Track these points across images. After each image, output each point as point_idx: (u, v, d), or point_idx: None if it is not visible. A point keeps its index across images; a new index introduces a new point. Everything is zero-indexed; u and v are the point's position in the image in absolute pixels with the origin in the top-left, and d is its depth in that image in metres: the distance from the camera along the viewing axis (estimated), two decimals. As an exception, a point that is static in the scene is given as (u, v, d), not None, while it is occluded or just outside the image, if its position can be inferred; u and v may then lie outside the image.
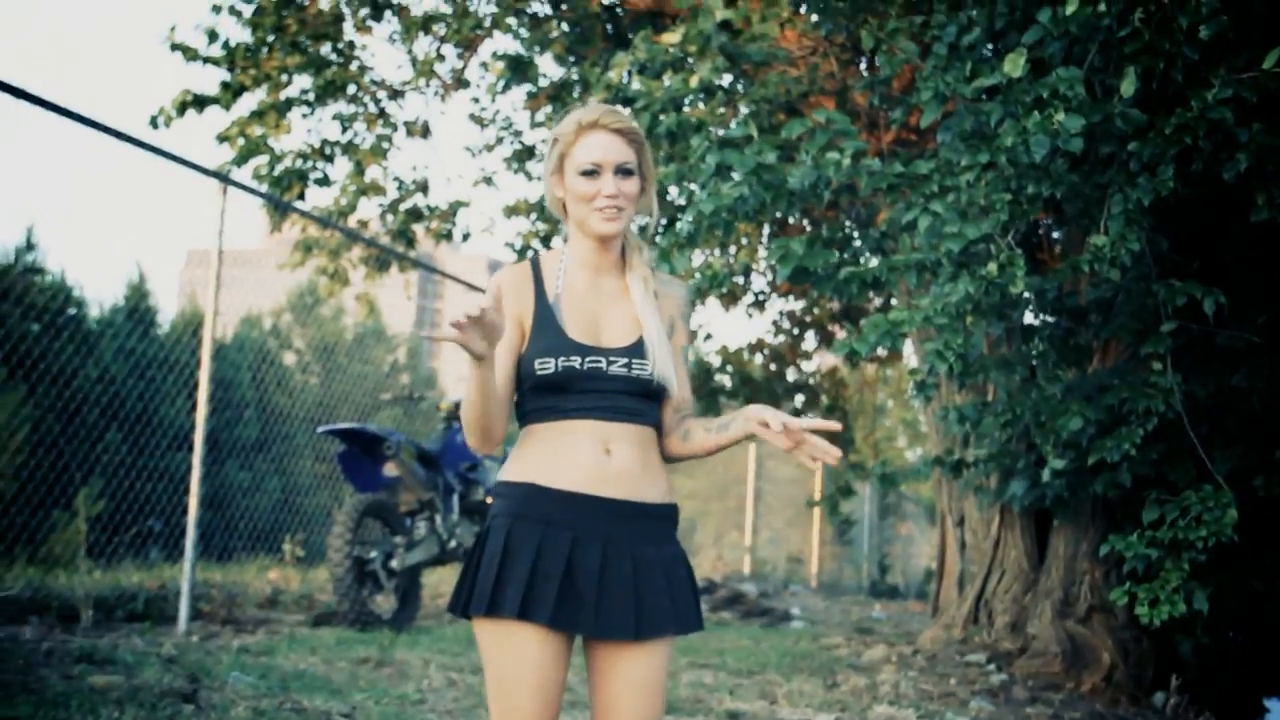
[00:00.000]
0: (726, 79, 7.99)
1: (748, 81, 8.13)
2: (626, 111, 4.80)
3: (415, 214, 11.27)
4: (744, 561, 16.28)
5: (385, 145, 11.02)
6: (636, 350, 2.77)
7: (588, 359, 2.72)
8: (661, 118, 7.41)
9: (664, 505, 2.78)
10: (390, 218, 11.25)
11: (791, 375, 11.94)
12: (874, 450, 13.15)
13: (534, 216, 10.90)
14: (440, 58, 11.01)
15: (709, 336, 11.95)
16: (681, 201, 8.82)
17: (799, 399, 12.16)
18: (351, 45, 10.67)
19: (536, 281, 2.80)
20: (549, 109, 10.68)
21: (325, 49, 10.54)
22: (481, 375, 2.58)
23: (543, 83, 10.26)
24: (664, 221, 8.68)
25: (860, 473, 11.02)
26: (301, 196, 10.62)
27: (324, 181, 10.69)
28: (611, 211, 2.76)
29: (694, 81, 7.56)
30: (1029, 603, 8.46)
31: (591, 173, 2.77)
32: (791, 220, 10.25)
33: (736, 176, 6.45)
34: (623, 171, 2.77)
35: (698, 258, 9.93)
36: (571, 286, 2.81)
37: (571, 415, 2.72)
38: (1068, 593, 8.27)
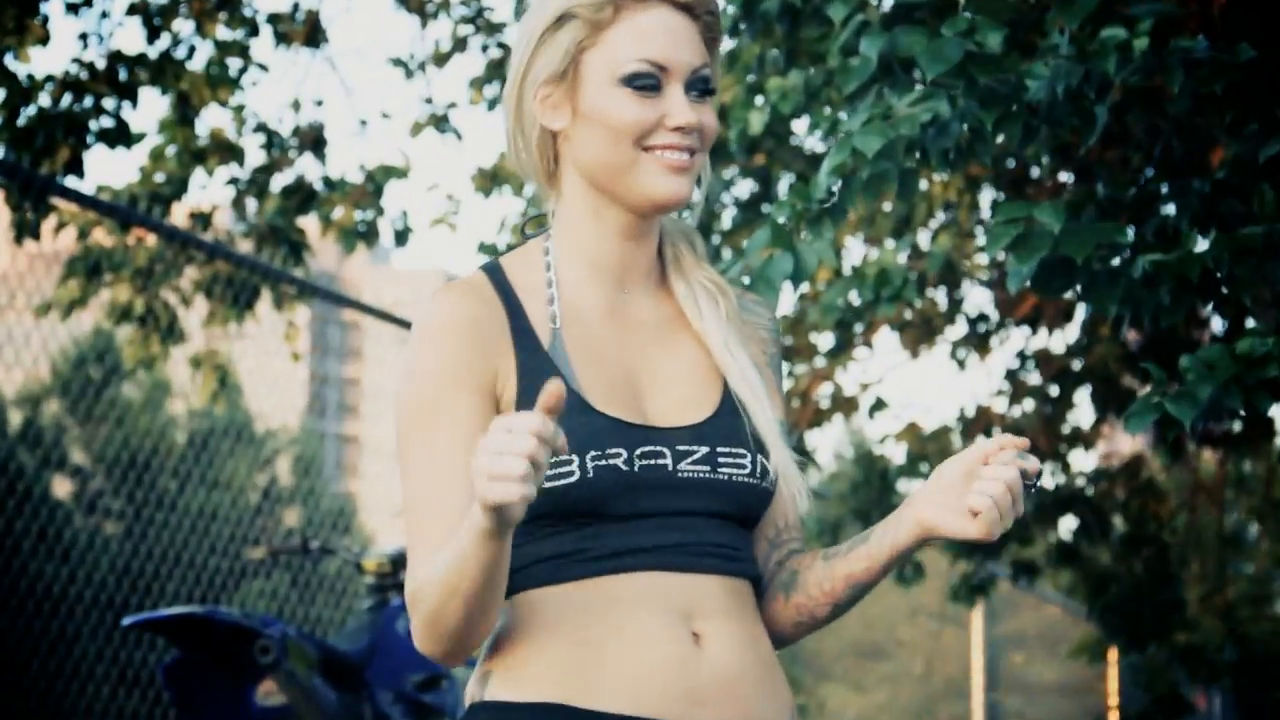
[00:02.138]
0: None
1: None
2: None
3: (303, 195, 7.71)
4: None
5: (237, 63, 7.35)
6: (721, 428, 1.92)
7: (639, 451, 1.86)
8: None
9: None
10: (253, 204, 7.81)
11: (1049, 477, 8.00)
12: (1222, 619, 9.12)
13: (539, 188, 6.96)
14: None
15: (880, 405, 7.92)
16: (816, 143, 6.80)
17: (1066, 522, 8.10)
18: None
19: (510, 309, 1.93)
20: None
21: None
22: (496, 548, 1.71)
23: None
24: (791, 179, 7.02)
25: (1199, 665, 7.35)
26: (75, 168, 7.06)
27: (118, 136, 7.17)
28: (682, 157, 1.89)
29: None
30: None
31: (648, 82, 1.88)
32: (1036, 170, 7.10)
33: (921, 87, 4.04)
34: (699, 84, 1.91)
35: (852, 248, 7.49)
36: (577, 312, 1.95)
37: (617, 567, 1.85)
38: None
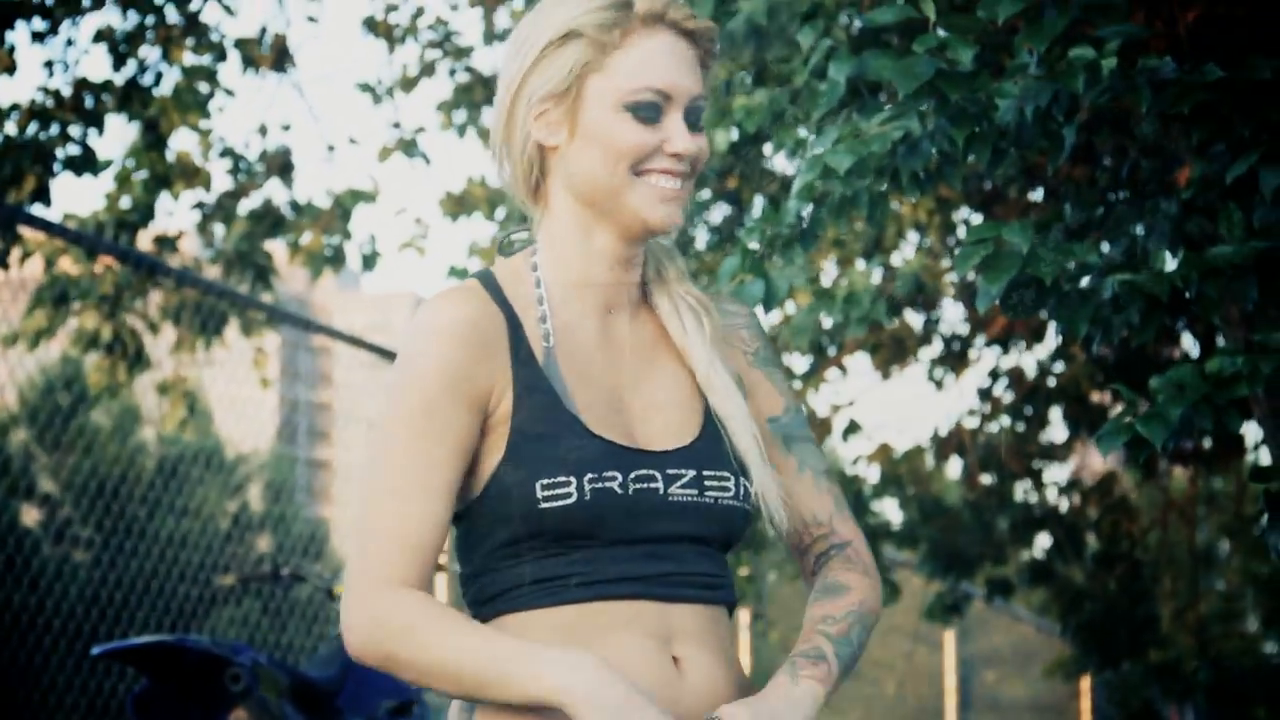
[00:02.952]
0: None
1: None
2: None
3: (270, 221, 7.64)
4: None
5: (205, 88, 7.22)
6: (707, 451, 1.91)
7: (633, 475, 1.84)
8: (740, 2, 5.03)
9: None
10: (221, 229, 7.70)
11: (1023, 495, 7.78)
12: (1195, 636, 8.95)
13: (509, 212, 7.28)
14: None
15: (854, 428, 7.64)
16: (782, 164, 6.77)
17: (1040, 541, 7.90)
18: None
19: (510, 321, 1.89)
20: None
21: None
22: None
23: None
24: (761, 202, 6.88)
25: (1172, 682, 7.33)
26: (42, 197, 7.06)
27: (84, 164, 7.11)
28: (675, 184, 1.88)
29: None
30: None
31: (651, 110, 1.86)
32: (1012, 191, 6.84)
33: (890, 106, 3.89)
34: (695, 112, 1.88)
35: (828, 271, 7.16)
36: (567, 330, 1.92)
37: (602, 594, 1.83)
38: None
